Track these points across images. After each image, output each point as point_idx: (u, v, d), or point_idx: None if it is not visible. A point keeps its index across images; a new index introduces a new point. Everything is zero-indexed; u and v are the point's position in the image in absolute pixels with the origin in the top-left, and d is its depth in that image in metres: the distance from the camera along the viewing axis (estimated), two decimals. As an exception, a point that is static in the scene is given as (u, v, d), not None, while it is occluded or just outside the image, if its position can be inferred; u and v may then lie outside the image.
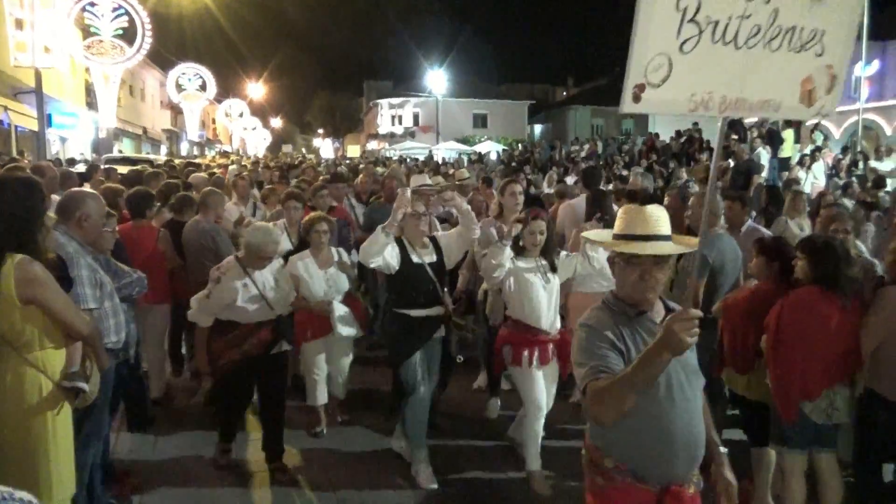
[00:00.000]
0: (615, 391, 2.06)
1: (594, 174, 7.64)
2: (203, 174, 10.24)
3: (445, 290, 5.04)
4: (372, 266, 4.44)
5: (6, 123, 19.61)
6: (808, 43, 2.09)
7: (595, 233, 3.00)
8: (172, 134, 45.35)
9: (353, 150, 53.50)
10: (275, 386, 4.63)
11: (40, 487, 2.91)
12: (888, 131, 21.30)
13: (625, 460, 2.31)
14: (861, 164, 15.30)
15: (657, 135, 24.37)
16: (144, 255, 5.28)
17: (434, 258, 4.58)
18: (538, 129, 51.87)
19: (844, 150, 17.09)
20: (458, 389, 5.80)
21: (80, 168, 13.75)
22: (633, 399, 2.07)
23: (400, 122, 50.81)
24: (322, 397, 5.18)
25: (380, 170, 14.28)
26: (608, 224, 5.81)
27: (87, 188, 6.49)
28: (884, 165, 14.61)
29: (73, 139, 26.63)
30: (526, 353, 4.33)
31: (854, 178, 12.50)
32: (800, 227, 6.30)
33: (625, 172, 15.04)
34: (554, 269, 4.48)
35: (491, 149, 36.65)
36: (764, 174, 13.47)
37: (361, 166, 19.78)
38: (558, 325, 4.52)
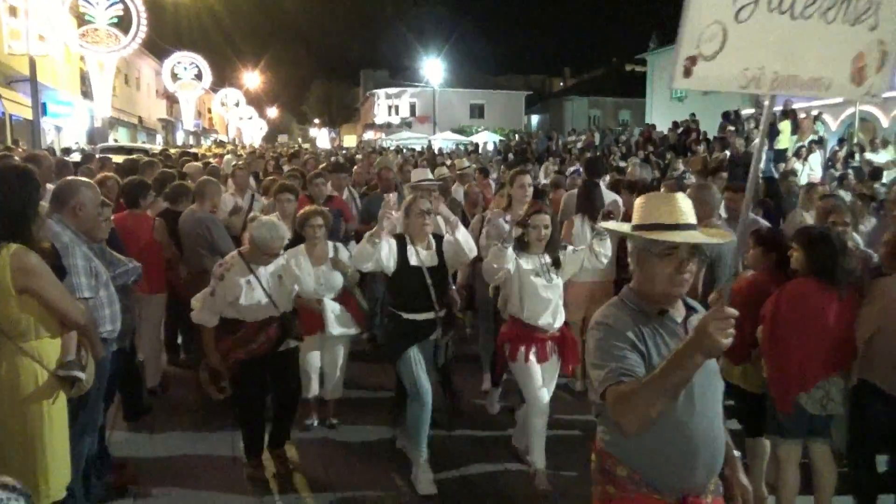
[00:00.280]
0: (641, 397, 1.89)
1: (596, 164, 7.61)
2: (198, 164, 10.20)
3: (452, 287, 4.92)
4: (367, 270, 4.34)
5: (0, 112, 19.50)
6: (864, 14, 1.96)
7: (615, 224, 2.81)
8: (168, 123, 45.18)
9: (350, 140, 53.40)
10: (288, 384, 4.49)
11: (36, 476, 2.91)
12: (885, 123, 21.28)
13: (640, 469, 2.14)
14: (857, 156, 15.31)
15: (654, 126, 24.38)
16: (140, 245, 5.27)
17: (435, 261, 4.40)
18: (535, 119, 51.81)
19: (841, 141, 17.08)
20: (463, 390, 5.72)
21: (76, 157, 13.70)
22: (660, 406, 1.89)
23: (397, 113, 50.68)
24: (314, 390, 5.08)
25: (380, 159, 14.22)
26: (594, 216, 5.86)
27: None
28: (879, 157, 14.62)
29: (68, 128, 26.50)
30: (523, 349, 4.27)
31: (850, 170, 12.51)
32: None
33: (622, 163, 15.03)
34: (558, 266, 4.36)
35: (488, 139, 36.60)
36: (761, 166, 13.48)
37: (359, 157, 19.76)
38: (559, 322, 4.40)
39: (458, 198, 7.61)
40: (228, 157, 15.78)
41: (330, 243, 5.00)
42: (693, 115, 21.95)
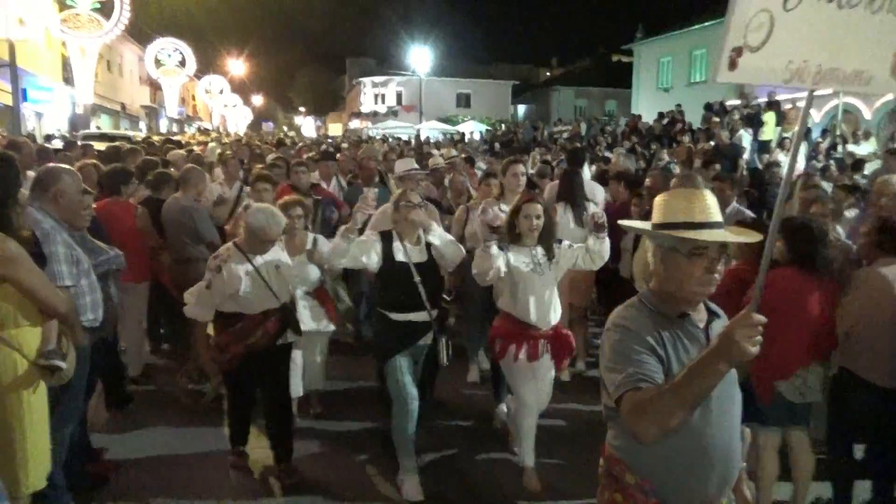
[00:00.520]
0: (660, 406, 1.80)
1: (577, 154, 7.64)
2: (181, 151, 10.11)
3: (450, 290, 4.80)
4: (344, 267, 4.11)
5: (-21, 97, 19.22)
6: None
7: (635, 222, 2.56)
8: (151, 110, 44.68)
9: (335, 129, 53.13)
10: (277, 381, 4.31)
11: (15, 466, 2.89)
12: (867, 115, 21.49)
13: (650, 478, 2.04)
14: (840, 148, 15.45)
15: (640, 116, 24.45)
16: (122, 233, 5.21)
17: (425, 257, 4.13)
18: (522, 109, 51.75)
19: (824, 132, 17.23)
20: (449, 384, 5.57)
21: (57, 144, 13.54)
22: (680, 416, 1.80)
23: (383, 101, 50.43)
24: (296, 390, 4.82)
25: (364, 148, 14.10)
26: (576, 204, 5.86)
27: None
28: (861, 149, 14.76)
29: (49, 115, 26.15)
30: (513, 347, 4.09)
31: (832, 161, 12.62)
32: None
33: (608, 154, 15.06)
34: (551, 258, 4.11)
35: (474, 129, 36.55)
36: (745, 156, 13.57)
37: (344, 145, 19.67)
38: (554, 319, 4.18)
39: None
40: (212, 144, 15.65)
41: (310, 235, 4.84)
42: (679, 105, 22.04)
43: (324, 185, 7.67)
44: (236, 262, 4.02)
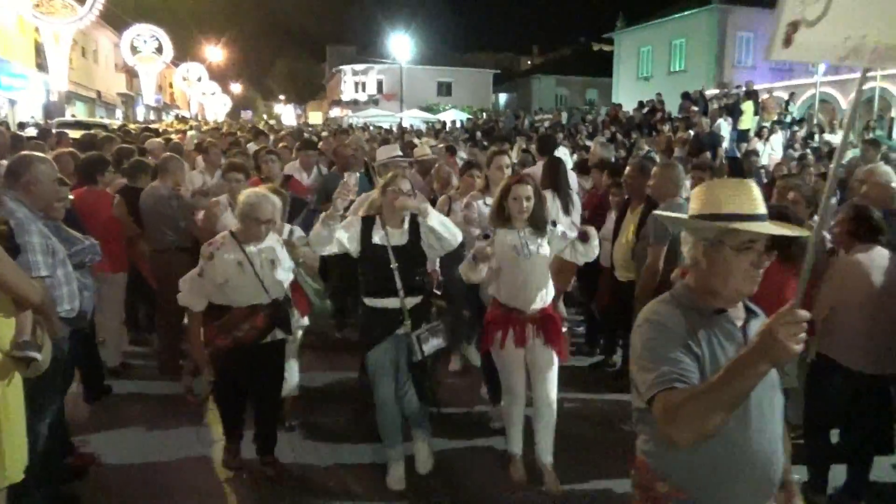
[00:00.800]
0: (696, 408, 1.69)
1: (549, 141, 7.67)
2: (159, 140, 9.98)
3: (439, 284, 4.64)
4: (330, 253, 3.94)
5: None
6: None
7: (672, 214, 2.36)
8: (128, 98, 44.01)
9: (316, 118, 52.65)
10: (268, 379, 4.15)
11: (-8, 459, 2.85)
12: (843, 105, 21.77)
13: (684, 487, 1.93)
14: (816, 137, 15.64)
15: (620, 105, 24.54)
16: (99, 222, 5.15)
17: (404, 241, 3.94)
18: (503, 98, 51.75)
19: (800, 122, 17.44)
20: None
21: (31, 132, 13.30)
22: (718, 420, 1.68)
23: (363, 89, 50.12)
24: (291, 388, 4.67)
25: (352, 137, 13.90)
26: (562, 190, 5.86)
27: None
28: (837, 138, 14.96)
29: (22, 102, 25.67)
30: (499, 333, 3.96)
31: (808, 151, 12.78)
32: None
33: (588, 142, 15.11)
34: (541, 237, 3.93)
35: (455, 117, 36.46)
36: (725, 145, 13.68)
37: (325, 133, 19.51)
38: (542, 303, 4.00)
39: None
40: (192, 133, 15.45)
41: (287, 226, 4.68)
42: (659, 94, 22.16)
43: (305, 175, 7.56)
44: (229, 250, 3.89)
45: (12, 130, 12.36)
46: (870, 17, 1.68)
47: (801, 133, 15.93)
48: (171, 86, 55.54)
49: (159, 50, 39.52)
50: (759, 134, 14.93)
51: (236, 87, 73.71)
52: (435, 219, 3.94)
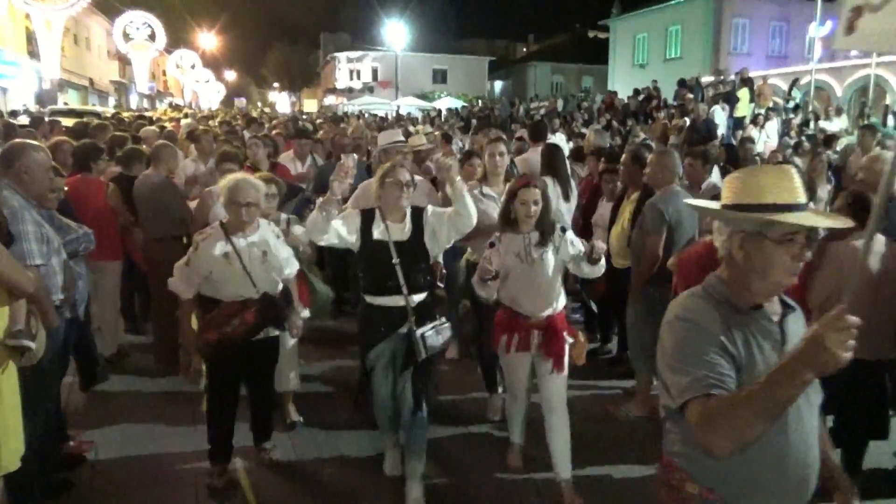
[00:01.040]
0: (737, 417, 1.60)
1: (540, 128, 7.65)
2: (154, 128, 9.92)
3: (442, 277, 4.57)
4: (323, 244, 3.75)
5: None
6: None
7: (707, 202, 2.16)
8: (121, 86, 43.74)
9: (311, 105, 52.45)
10: (261, 377, 4.04)
11: (-13, 448, 2.84)
12: (838, 92, 21.76)
13: (716, 489, 1.85)
14: (811, 124, 15.63)
15: (616, 92, 24.47)
16: (93, 210, 5.13)
17: (406, 236, 3.71)
18: (498, 85, 51.57)
19: (796, 109, 17.41)
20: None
21: (24, 120, 13.21)
22: (760, 429, 1.60)
23: (358, 77, 49.86)
24: (286, 384, 4.61)
25: (343, 126, 13.79)
26: (563, 181, 5.85)
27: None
28: (833, 125, 14.96)
29: (14, 90, 25.48)
30: (505, 337, 3.89)
31: (804, 138, 12.77)
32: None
33: (584, 130, 15.08)
34: (545, 244, 3.78)
35: (450, 105, 36.33)
36: (720, 132, 13.67)
37: (320, 121, 19.43)
38: (549, 310, 3.85)
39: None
40: (188, 121, 15.35)
41: (283, 215, 4.59)
42: (655, 81, 22.10)
43: (298, 165, 7.50)
44: (216, 241, 3.73)
45: (4, 118, 12.27)
46: None
47: (797, 120, 15.90)
48: (164, 73, 55.18)
49: (152, 37, 39.21)
50: (754, 121, 14.91)
51: (230, 75, 73.24)
52: (466, 192, 3.73)
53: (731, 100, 16.00)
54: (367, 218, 3.73)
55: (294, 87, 69.28)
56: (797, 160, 9.19)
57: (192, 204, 5.61)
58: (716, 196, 4.27)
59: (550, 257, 3.80)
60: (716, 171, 7.03)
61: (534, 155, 6.65)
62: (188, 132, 9.91)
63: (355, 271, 4.40)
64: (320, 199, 3.57)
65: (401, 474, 3.96)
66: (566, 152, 7.62)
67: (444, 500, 3.86)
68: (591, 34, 50.34)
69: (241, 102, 53.84)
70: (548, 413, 3.86)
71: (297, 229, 4.44)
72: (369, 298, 3.79)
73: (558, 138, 11.14)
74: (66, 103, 26.49)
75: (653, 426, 4.74)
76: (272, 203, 4.41)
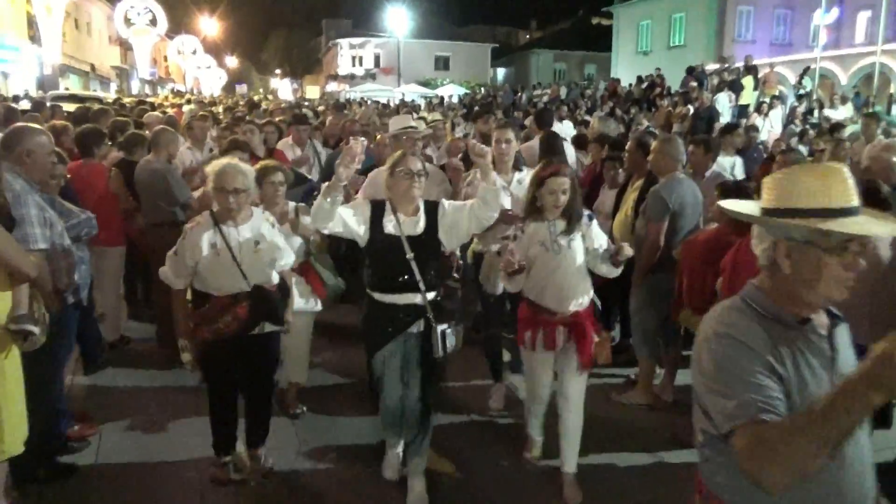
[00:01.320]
0: (794, 446, 1.40)
1: (546, 115, 7.60)
2: (157, 113, 9.89)
3: (458, 268, 4.46)
4: (327, 233, 3.55)
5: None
6: None
7: (743, 205, 1.93)
8: (122, 71, 43.59)
9: (313, 92, 52.31)
10: (258, 373, 3.83)
11: (-9, 432, 2.85)
12: (843, 80, 21.64)
13: None
14: (816, 112, 15.57)
15: (619, 80, 24.36)
16: (95, 196, 5.12)
17: (420, 230, 3.48)
18: (501, 72, 51.34)
19: (800, 97, 17.34)
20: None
21: (25, 105, 13.18)
22: (820, 459, 1.40)
23: (360, 64, 49.66)
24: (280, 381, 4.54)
25: (346, 113, 13.69)
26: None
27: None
28: (837, 113, 14.89)
29: (15, 75, 25.43)
30: (529, 334, 3.72)
31: (808, 126, 12.72)
32: None
33: (587, 117, 15.02)
34: (571, 231, 3.60)
35: (453, 92, 36.20)
36: (724, 120, 13.61)
37: (321, 108, 19.35)
38: (575, 304, 3.67)
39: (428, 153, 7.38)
40: (191, 107, 15.28)
41: (290, 204, 4.44)
42: (658, 69, 21.99)
43: (298, 151, 7.45)
44: (203, 229, 3.52)
45: (6, 103, 12.23)
46: None
47: (801, 108, 15.83)
48: (165, 59, 54.98)
49: (153, 22, 39.01)
50: (758, 109, 14.84)
51: (231, 61, 72.95)
52: (497, 181, 3.57)
53: (736, 87, 15.93)
54: (378, 210, 3.50)
55: (296, 74, 69.09)
56: (801, 148, 9.15)
57: (197, 193, 5.57)
58: (725, 189, 4.24)
59: (579, 244, 3.64)
60: (723, 157, 7.00)
61: (536, 143, 6.62)
62: (186, 124, 9.84)
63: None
64: (324, 184, 3.37)
65: (397, 479, 3.87)
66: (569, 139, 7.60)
67: (446, 489, 3.86)
68: (594, 21, 49.99)
69: (242, 89, 53.57)
70: (564, 409, 3.76)
71: (307, 219, 4.28)
72: (378, 296, 3.54)
73: (565, 126, 11.10)
74: (67, 88, 26.44)
75: (655, 415, 4.77)
76: (281, 191, 4.28)
